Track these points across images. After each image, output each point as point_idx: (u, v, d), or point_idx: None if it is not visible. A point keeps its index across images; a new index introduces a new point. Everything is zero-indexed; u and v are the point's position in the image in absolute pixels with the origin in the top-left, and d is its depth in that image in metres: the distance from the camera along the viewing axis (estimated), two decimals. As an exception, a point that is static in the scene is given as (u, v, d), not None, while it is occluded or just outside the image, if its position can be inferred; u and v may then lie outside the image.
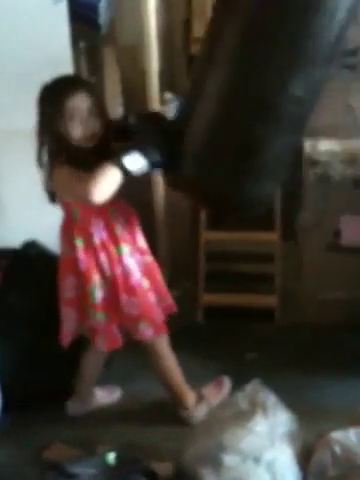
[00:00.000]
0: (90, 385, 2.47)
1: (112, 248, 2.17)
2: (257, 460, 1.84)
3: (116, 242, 2.17)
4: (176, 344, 2.33)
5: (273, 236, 3.08)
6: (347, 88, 2.92)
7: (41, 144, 2.12)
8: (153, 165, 1.99)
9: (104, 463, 1.96)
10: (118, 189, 2.01)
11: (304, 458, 1.91)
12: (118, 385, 2.56)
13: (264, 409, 1.94)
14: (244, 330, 2.96)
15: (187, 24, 3.41)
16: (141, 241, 2.29)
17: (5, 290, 2.41)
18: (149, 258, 2.30)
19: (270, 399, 1.98)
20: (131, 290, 2.19)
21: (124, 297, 2.19)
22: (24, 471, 2.10)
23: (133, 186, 2.22)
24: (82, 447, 2.16)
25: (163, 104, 2.96)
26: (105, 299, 2.19)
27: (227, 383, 2.46)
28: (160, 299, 2.31)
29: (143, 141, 2.00)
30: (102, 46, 3.03)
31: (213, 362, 2.69)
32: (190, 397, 2.37)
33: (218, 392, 2.42)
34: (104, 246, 2.17)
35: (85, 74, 2.93)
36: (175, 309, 2.35)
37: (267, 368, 2.51)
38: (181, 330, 2.41)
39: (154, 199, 2.84)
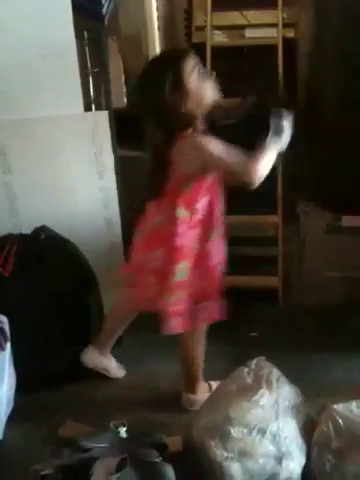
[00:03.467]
0: (112, 339, 2.51)
1: (207, 228, 2.11)
2: (262, 432, 1.87)
3: (211, 227, 2.12)
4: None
5: (275, 219, 3.10)
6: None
7: (159, 121, 2.00)
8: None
9: (116, 437, 2.00)
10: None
11: (308, 430, 1.94)
12: (128, 365, 2.61)
13: (268, 383, 1.97)
14: (248, 311, 2.96)
15: (189, 13, 3.44)
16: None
17: (17, 274, 2.44)
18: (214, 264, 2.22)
19: (274, 373, 2.01)
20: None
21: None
22: (39, 449, 2.13)
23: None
24: (95, 424, 2.20)
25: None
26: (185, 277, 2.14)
27: None
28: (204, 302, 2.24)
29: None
30: (106, 36, 3.05)
31: (217, 342, 2.67)
32: (201, 386, 2.38)
33: None
34: (200, 223, 2.10)
35: (89, 64, 2.96)
36: (217, 317, 2.27)
37: (270, 348, 2.52)
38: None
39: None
